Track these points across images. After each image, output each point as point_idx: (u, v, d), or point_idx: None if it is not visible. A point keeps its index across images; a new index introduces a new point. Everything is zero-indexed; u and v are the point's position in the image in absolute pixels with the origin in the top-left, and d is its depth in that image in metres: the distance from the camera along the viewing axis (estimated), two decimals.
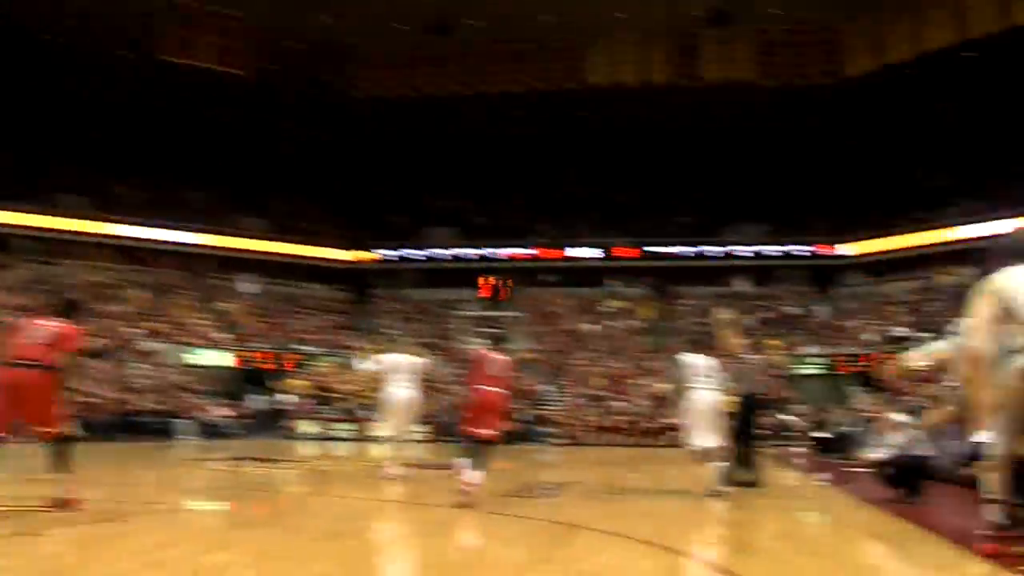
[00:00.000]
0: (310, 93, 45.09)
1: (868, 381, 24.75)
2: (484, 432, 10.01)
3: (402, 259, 47.23)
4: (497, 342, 11.30)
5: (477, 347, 11.54)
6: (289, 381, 34.00)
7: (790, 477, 15.00)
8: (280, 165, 48.27)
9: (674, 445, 11.16)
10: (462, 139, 48.10)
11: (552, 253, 46.22)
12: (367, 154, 49.11)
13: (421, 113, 46.60)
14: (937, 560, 6.16)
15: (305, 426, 30.80)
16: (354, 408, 31.37)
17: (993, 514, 6.26)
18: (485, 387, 10.18)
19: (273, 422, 31.65)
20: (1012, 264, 4.27)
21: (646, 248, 45.77)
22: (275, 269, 44.39)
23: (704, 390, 10.69)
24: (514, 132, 47.47)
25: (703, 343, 12.17)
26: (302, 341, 37.91)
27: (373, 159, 49.29)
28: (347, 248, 47.08)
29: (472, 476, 9.53)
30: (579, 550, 6.23)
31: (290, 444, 26.01)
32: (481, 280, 42.39)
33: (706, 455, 10.68)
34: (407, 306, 44.11)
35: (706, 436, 10.60)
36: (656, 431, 26.86)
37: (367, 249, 47.20)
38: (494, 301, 41.64)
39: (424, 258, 47.03)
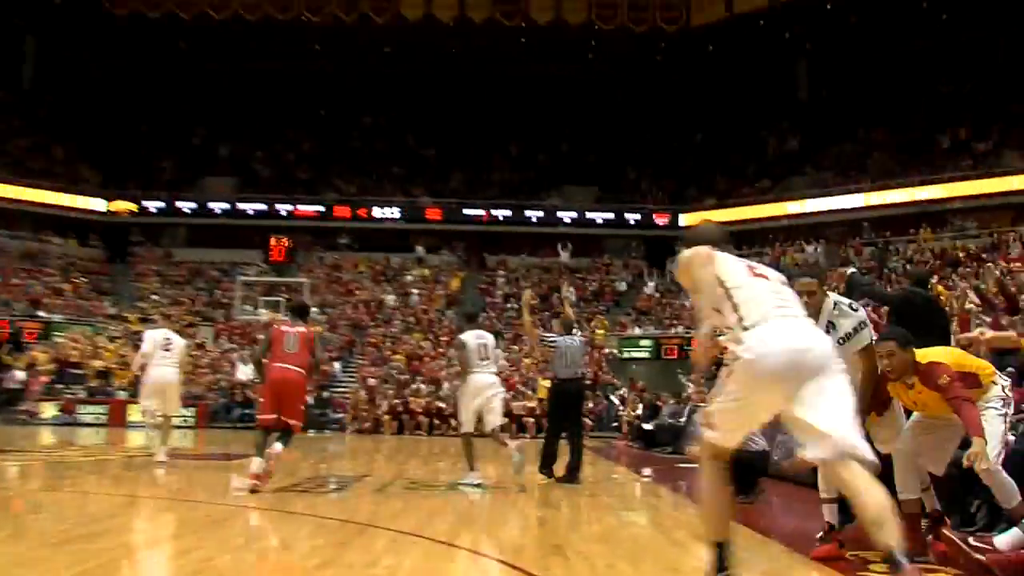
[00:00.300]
0: (57, 4, 42.99)
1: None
2: (288, 422, 10.30)
3: (171, 212, 45.68)
4: (297, 314, 11.30)
5: (271, 319, 11.63)
6: (33, 354, 32.53)
7: (612, 472, 15.42)
8: (20, 92, 45.92)
9: (481, 434, 11.45)
10: (247, 74, 46.97)
11: (349, 212, 45.70)
12: (131, 84, 47.31)
13: (197, 39, 45.17)
14: (768, 565, 6.45)
15: (46, 408, 29.58)
16: (108, 388, 30.36)
17: (829, 514, 6.61)
18: (281, 366, 10.31)
19: (3, 404, 30.27)
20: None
21: (461, 210, 45.79)
22: (11, 218, 42.21)
23: (480, 373, 11.42)
24: (309, 68, 46.70)
25: (477, 318, 12.72)
26: (45, 307, 36.32)
27: (138, 91, 47.51)
28: (104, 196, 45.17)
29: (256, 465, 9.83)
30: (370, 552, 6.21)
31: (24, 430, 24.93)
32: (273, 240, 41.45)
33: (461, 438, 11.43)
34: (176, 268, 42.80)
35: (485, 420, 11.37)
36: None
37: (129, 199, 45.45)
38: (279, 266, 40.95)
39: (198, 212, 45.66)
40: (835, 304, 6.45)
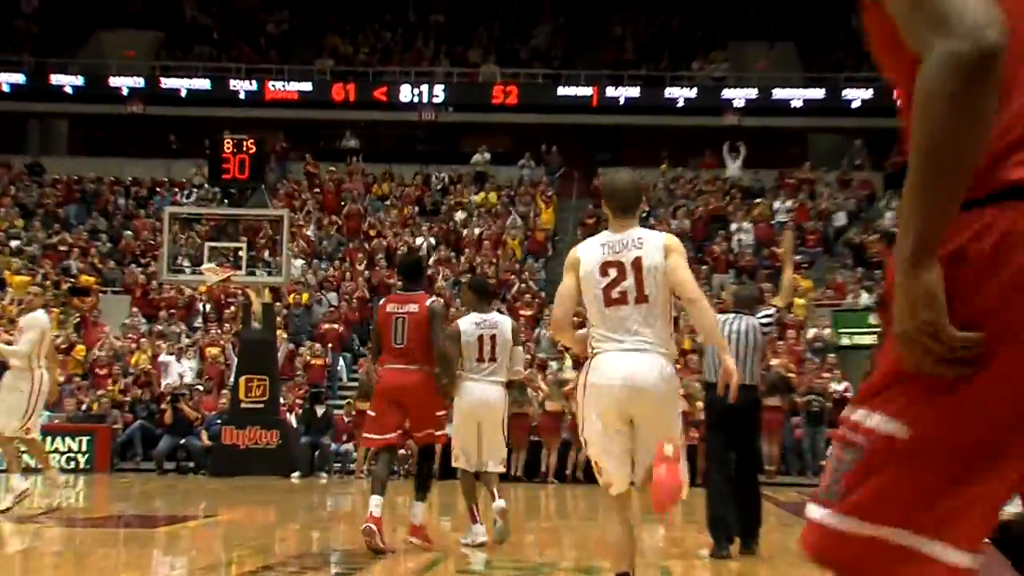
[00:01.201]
0: None
1: None
2: (422, 435, 11.75)
3: (42, 92, 45.85)
4: (409, 276, 12.29)
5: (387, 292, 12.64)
6: None
7: None
8: None
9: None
10: None
11: (355, 92, 45.68)
12: None
13: None
14: None
15: None
16: None
17: None
18: (391, 368, 11.41)
19: None
20: (618, 216, 7.65)
21: (553, 88, 45.64)
22: None
23: (474, 381, 12.04)
24: None
25: (489, 293, 13.12)
26: None
27: None
28: None
29: (415, 513, 11.46)
30: None
31: None
32: (226, 144, 39.51)
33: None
34: (52, 192, 42.90)
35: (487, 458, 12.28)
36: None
37: None
38: (237, 187, 40.09)
39: (90, 93, 45.86)
40: None
